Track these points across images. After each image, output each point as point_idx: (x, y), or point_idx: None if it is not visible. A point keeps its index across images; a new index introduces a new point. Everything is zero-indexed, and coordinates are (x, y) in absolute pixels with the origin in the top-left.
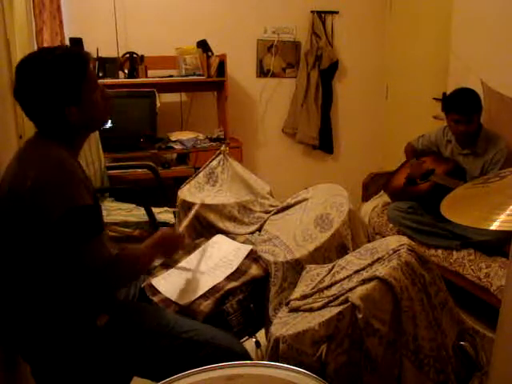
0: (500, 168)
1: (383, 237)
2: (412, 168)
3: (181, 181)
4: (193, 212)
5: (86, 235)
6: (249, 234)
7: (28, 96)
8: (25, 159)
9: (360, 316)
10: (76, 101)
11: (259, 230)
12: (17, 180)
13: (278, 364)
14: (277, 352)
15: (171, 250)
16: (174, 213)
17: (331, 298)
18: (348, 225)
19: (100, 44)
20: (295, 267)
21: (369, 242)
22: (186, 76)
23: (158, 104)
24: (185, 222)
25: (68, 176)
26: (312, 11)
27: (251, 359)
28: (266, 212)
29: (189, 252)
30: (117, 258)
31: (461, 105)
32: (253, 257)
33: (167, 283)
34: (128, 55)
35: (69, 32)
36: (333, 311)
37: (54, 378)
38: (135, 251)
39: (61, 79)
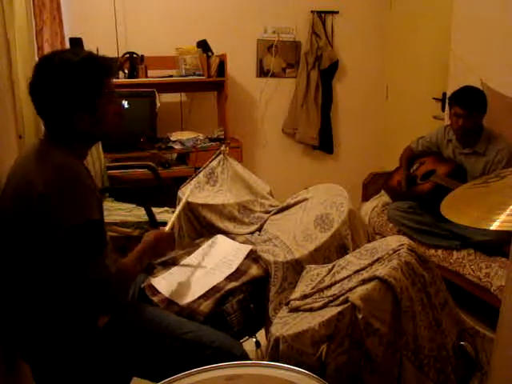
0: (503, 168)
1: (383, 237)
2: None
3: (181, 181)
4: (179, 208)
5: (90, 251)
6: (249, 234)
7: (43, 93)
8: (33, 165)
9: (360, 316)
10: (90, 109)
11: (259, 230)
12: (24, 187)
13: (277, 364)
14: (277, 352)
15: (162, 252)
16: (173, 213)
17: (331, 298)
18: (348, 225)
19: (100, 44)
20: (295, 267)
21: (369, 241)
22: (186, 76)
23: (158, 104)
24: (172, 219)
25: (78, 188)
26: (312, 11)
27: (250, 361)
28: (266, 212)
29: (189, 252)
30: (113, 277)
31: (464, 99)
32: (253, 257)
33: (167, 283)
34: (128, 55)
35: (69, 32)
36: (333, 311)
37: (55, 379)
38: (128, 267)
39: (79, 83)
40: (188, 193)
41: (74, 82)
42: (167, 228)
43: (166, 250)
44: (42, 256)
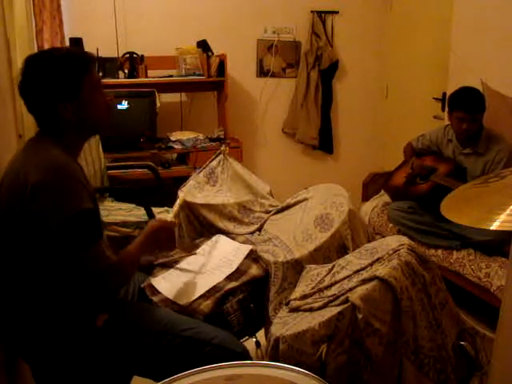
0: (503, 168)
1: (383, 237)
2: (414, 167)
3: (181, 181)
4: (179, 201)
5: (86, 242)
6: (249, 234)
7: (31, 89)
8: (26, 161)
9: (360, 316)
10: (72, 98)
11: (259, 229)
12: (17, 183)
13: (277, 364)
14: (277, 352)
15: (165, 242)
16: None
17: (331, 298)
18: (348, 225)
19: (100, 44)
20: (295, 267)
21: (369, 241)
22: (186, 76)
23: (158, 104)
24: (174, 209)
25: (69, 181)
26: (312, 11)
27: (251, 358)
28: (266, 212)
29: (189, 252)
30: (114, 264)
31: (467, 103)
32: (253, 257)
33: (167, 283)
34: (128, 55)
35: (69, 32)
36: (333, 311)
37: (54, 379)
38: (130, 254)
39: (60, 74)
40: (187, 188)
41: (55, 74)
42: (169, 218)
43: (168, 240)
44: (39, 251)
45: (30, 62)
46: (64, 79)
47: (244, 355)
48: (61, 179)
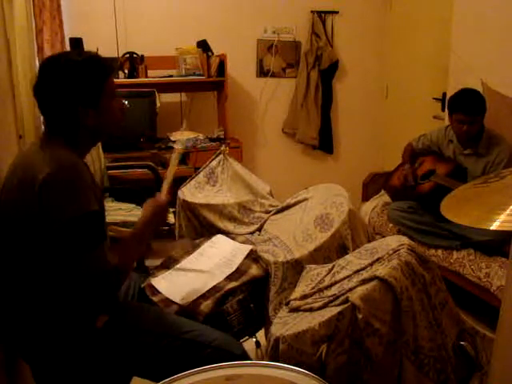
0: (503, 169)
1: (383, 237)
2: (404, 176)
3: (181, 181)
4: (172, 161)
5: (90, 243)
6: (249, 234)
7: (48, 91)
8: (35, 160)
9: (360, 316)
10: (94, 104)
11: (259, 230)
12: (26, 181)
13: (277, 364)
14: (277, 352)
15: (163, 219)
16: (173, 213)
17: (331, 298)
18: (348, 225)
19: (100, 44)
20: (295, 267)
21: (369, 241)
22: (186, 76)
23: (158, 104)
24: (167, 180)
25: (78, 181)
26: (312, 11)
27: (250, 360)
28: (266, 212)
29: (189, 252)
30: (116, 267)
31: (467, 105)
32: (253, 257)
33: (167, 283)
34: (128, 55)
35: (69, 32)
36: (333, 311)
37: (54, 379)
38: (131, 243)
39: (84, 79)
40: (180, 146)
41: (78, 79)
42: (162, 194)
43: (164, 217)
44: (42, 250)
45: (50, 63)
46: (87, 84)
47: (243, 357)
48: (69, 178)
